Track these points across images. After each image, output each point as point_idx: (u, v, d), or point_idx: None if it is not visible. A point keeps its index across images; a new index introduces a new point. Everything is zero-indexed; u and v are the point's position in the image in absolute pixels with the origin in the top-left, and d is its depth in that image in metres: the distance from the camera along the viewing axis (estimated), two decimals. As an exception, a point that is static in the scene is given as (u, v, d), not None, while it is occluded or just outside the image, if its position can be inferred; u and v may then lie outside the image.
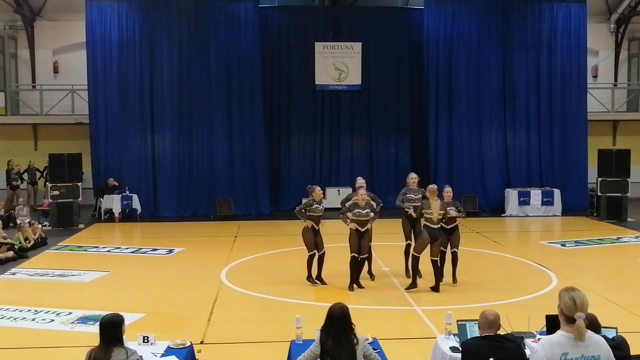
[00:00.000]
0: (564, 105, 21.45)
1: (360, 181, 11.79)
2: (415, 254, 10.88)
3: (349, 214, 10.93)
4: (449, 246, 11.27)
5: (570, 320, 4.12)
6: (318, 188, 11.42)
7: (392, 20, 21.89)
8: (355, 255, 10.86)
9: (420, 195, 11.78)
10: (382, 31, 21.81)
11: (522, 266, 13.10)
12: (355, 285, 10.98)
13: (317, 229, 11.26)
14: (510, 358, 5.17)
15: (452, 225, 11.23)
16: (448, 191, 11.30)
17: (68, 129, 22.00)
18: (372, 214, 10.95)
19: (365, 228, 10.86)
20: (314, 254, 11.28)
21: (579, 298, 4.13)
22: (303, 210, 11.19)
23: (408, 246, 12.04)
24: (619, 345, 5.42)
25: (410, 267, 11.34)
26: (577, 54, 21.46)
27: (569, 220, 19.69)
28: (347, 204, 11.27)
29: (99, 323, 5.35)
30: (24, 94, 22.92)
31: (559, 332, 4.20)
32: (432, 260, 10.77)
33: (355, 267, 10.98)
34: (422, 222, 11.02)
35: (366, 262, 11.47)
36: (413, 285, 10.96)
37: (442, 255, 10.99)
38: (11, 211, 18.56)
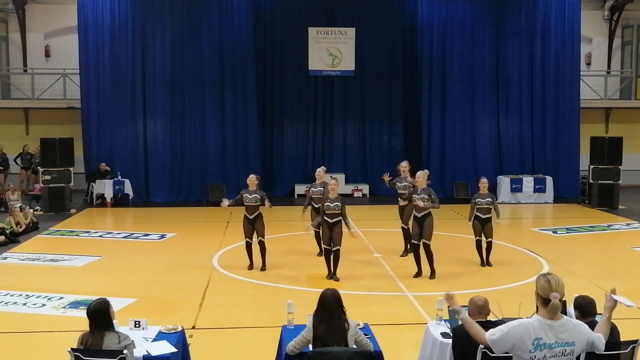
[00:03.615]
0: (557, 93, 21.46)
1: (321, 172, 12.21)
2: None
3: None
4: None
5: (546, 302, 4.13)
6: (252, 177, 11.40)
7: (386, 6, 21.76)
8: (328, 247, 10.59)
9: (407, 184, 12.00)
10: (376, 17, 21.70)
11: (514, 253, 13.13)
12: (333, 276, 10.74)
13: (250, 217, 11.25)
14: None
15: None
16: (484, 182, 11.64)
17: (60, 114, 21.89)
18: (340, 207, 10.45)
19: (336, 220, 10.45)
20: (248, 241, 11.33)
21: (554, 280, 4.18)
22: (238, 197, 11.35)
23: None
24: (609, 331, 5.45)
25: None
26: (571, 41, 21.45)
27: (561, 207, 19.76)
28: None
29: (86, 312, 5.33)
30: (15, 77, 22.76)
31: (535, 317, 4.22)
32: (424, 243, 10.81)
33: (328, 259, 10.69)
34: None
35: None
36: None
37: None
38: (2, 195, 18.48)
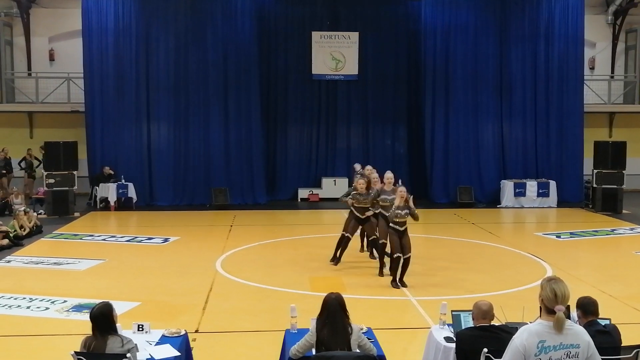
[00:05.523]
0: (561, 97, 21.42)
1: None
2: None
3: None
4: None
5: (551, 312, 4.12)
6: (363, 180, 11.82)
7: (389, 10, 21.76)
8: (400, 255, 10.47)
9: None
10: (380, 21, 21.72)
11: (517, 257, 13.11)
12: (398, 284, 10.59)
13: (362, 218, 11.73)
14: (504, 349, 5.17)
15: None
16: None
17: (64, 117, 21.92)
18: (409, 216, 10.47)
19: (405, 227, 10.49)
20: (349, 237, 11.80)
21: (560, 291, 4.11)
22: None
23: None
24: (610, 332, 5.43)
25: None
26: (574, 46, 21.41)
27: (565, 211, 19.72)
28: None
29: (89, 315, 5.34)
30: (20, 81, 22.81)
31: (537, 321, 4.21)
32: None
33: (396, 266, 10.54)
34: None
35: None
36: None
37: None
38: (6, 199, 18.52)
